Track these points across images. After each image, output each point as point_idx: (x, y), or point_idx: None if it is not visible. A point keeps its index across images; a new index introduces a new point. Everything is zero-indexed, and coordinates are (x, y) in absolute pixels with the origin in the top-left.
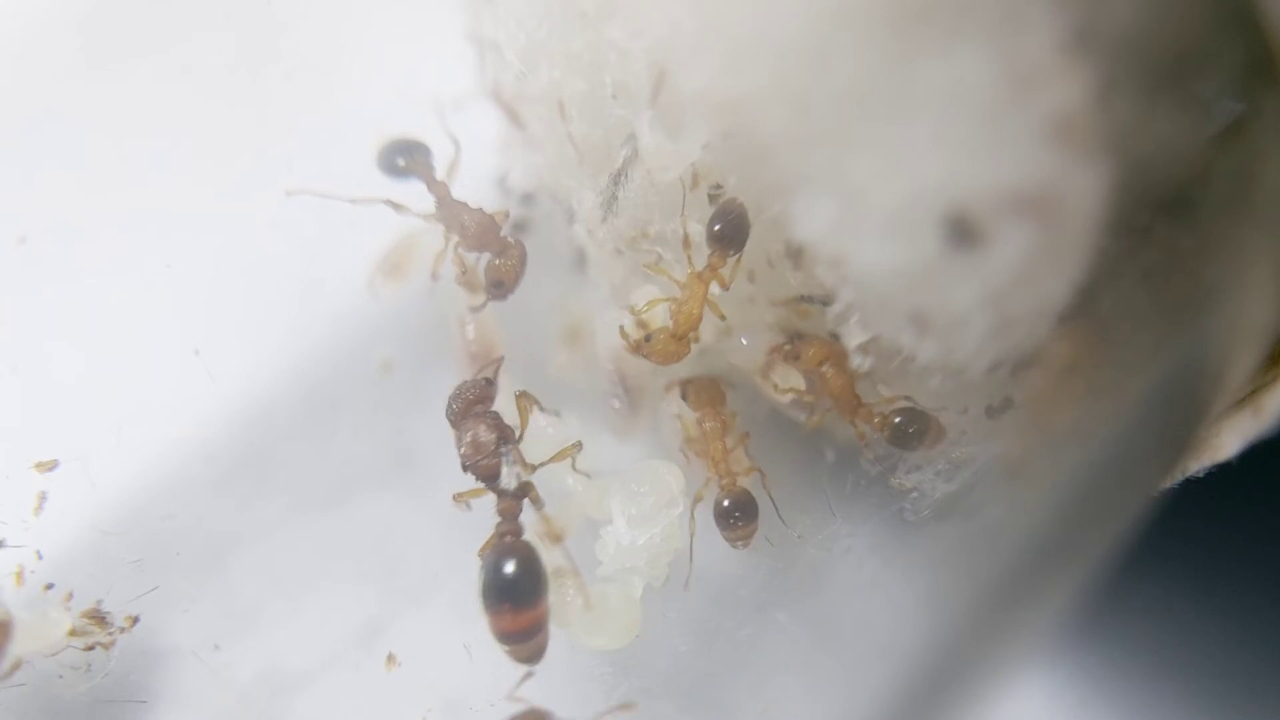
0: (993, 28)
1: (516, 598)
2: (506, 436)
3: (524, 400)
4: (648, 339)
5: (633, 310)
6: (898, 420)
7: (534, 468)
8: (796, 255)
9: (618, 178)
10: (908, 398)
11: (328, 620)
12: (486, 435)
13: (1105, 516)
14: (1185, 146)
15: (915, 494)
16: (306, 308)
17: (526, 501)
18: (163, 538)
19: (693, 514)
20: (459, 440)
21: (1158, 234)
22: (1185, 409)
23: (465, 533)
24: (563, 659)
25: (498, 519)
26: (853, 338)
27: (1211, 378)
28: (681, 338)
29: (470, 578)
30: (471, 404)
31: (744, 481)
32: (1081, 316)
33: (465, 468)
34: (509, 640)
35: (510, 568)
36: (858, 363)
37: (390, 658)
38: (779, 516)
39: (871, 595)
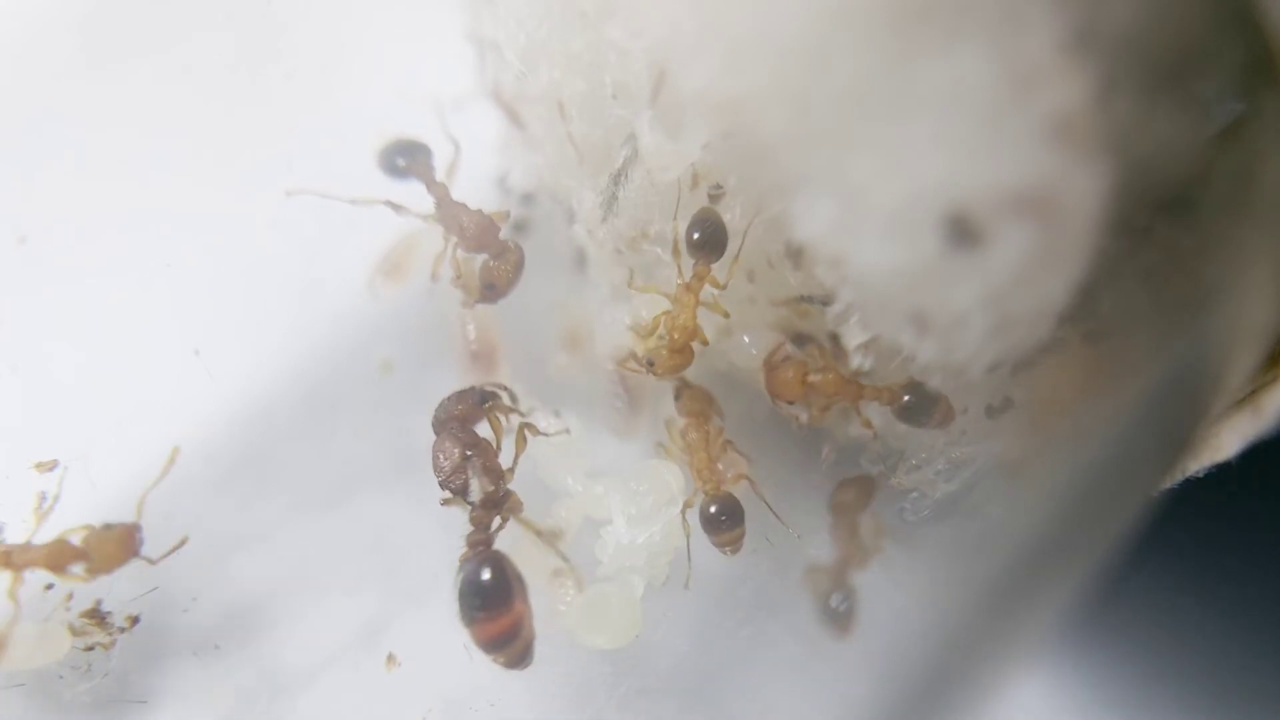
0: (993, 28)
1: (488, 605)
2: (474, 450)
3: (524, 431)
4: (651, 364)
5: (634, 328)
6: (906, 397)
7: (510, 473)
8: (796, 255)
9: (618, 178)
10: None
11: (328, 620)
12: (454, 451)
13: (1105, 516)
14: (1185, 146)
15: (915, 494)
16: (306, 308)
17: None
18: (163, 538)
19: (684, 517)
20: (432, 455)
21: (1158, 234)
22: (1185, 409)
23: (464, 533)
24: (563, 659)
25: (469, 529)
26: (853, 338)
27: (1211, 378)
28: (681, 349)
29: None
30: (452, 417)
31: (735, 490)
32: (1081, 318)
33: (439, 483)
34: (489, 647)
35: (478, 576)
36: (858, 362)
37: (390, 658)
38: (776, 517)
39: (871, 595)
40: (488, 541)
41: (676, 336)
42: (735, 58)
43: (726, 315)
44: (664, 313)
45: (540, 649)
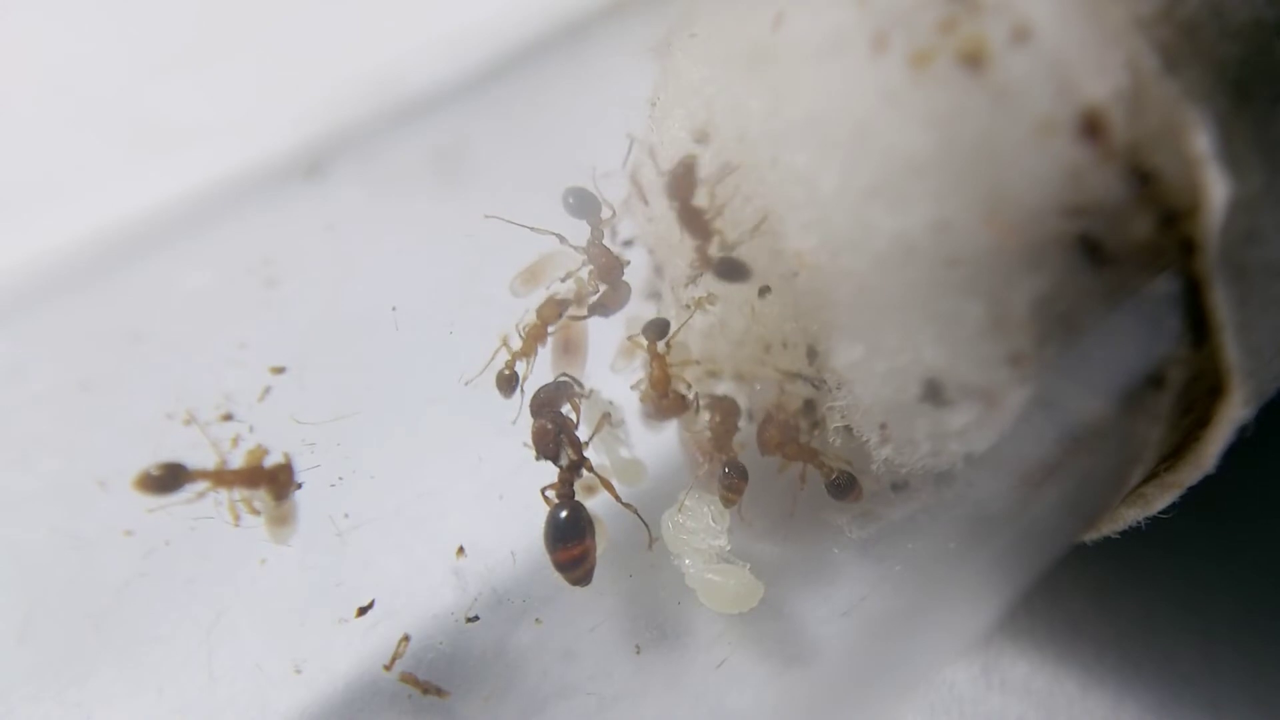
0: (990, 289)
1: (568, 537)
2: (564, 428)
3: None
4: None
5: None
6: (835, 477)
7: (586, 444)
8: (813, 355)
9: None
10: (848, 462)
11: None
12: (549, 429)
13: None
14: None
15: (859, 513)
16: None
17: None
18: None
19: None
20: (532, 430)
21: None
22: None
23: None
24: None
25: (559, 485)
26: (831, 420)
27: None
28: (664, 395)
29: None
30: (544, 403)
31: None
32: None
33: (537, 455)
34: (563, 568)
35: (563, 516)
36: (831, 439)
37: (460, 550)
38: (740, 516)
39: (812, 603)
40: (570, 494)
41: (654, 390)
42: (847, 249)
43: (696, 363)
44: (644, 373)
45: None
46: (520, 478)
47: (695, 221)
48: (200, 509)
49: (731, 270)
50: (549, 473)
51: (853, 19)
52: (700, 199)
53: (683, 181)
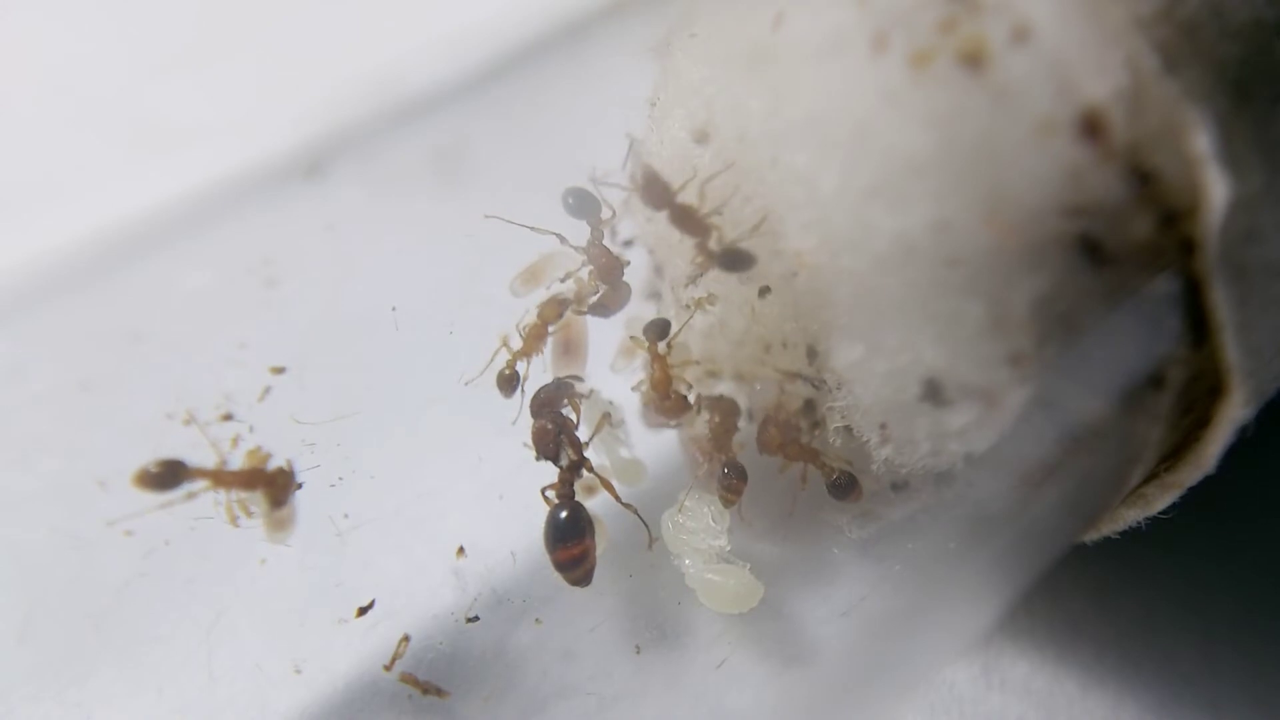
0: (990, 288)
1: (568, 537)
2: (564, 428)
3: (575, 400)
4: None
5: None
6: (836, 477)
7: (586, 444)
8: (812, 355)
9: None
10: (848, 462)
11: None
12: (549, 429)
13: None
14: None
15: (859, 513)
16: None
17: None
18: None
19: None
20: (532, 430)
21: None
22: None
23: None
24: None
25: (559, 485)
26: (831, 420)
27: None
28: (665, 396)
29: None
30: (545, 403)
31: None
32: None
33: (537, 455)
34: (563, 567)
35: (563, 516)
36: (831, 439)
37: (460, 550)
38: (740, 516)
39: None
40: (570, 494)
41: (655, 387)
42: (847, 249)
43: (696, 363)
44: (645, 374)
45: None
46: (520, 478)
47: (690, 220)
48: (200, 509)
49: (736, 260)
50: (549, 473)
51: (853, 19)
52: (688, 197)
53: (653, 190)
